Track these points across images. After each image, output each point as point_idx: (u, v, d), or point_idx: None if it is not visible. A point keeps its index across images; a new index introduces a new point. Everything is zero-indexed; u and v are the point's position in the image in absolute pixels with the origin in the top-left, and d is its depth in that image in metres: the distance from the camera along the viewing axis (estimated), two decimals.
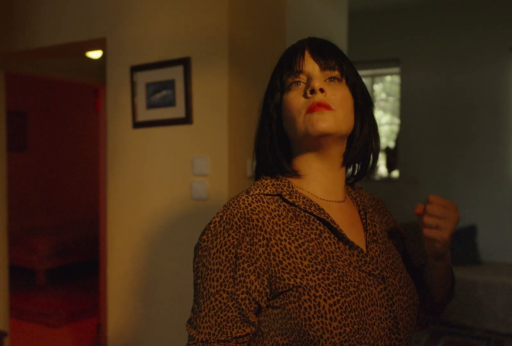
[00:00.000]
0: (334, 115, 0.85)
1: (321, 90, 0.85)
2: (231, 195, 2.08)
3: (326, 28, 2.98)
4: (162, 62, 2.20)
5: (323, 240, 0.86)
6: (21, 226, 5.69)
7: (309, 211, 0.87)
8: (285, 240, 0.83)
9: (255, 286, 0.82)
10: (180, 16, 2.18)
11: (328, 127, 0.84)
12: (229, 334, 0.82)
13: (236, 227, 0.82)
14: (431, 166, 4.75)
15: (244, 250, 0.81)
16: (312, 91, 0.85)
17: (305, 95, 0.86)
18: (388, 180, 5.14)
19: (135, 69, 2.28)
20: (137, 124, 2.30)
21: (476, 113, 4.54)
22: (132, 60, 2.30)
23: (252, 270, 0.81)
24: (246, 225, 0.82)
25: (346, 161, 0.94)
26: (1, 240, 3.18)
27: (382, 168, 5.23)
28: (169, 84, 2.18)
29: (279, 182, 0.91)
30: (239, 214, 0.83)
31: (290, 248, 0.83)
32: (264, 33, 2.32)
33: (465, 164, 4.59)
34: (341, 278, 0.82)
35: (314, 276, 0.81)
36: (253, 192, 0.88)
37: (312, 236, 0.86)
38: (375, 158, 0.96)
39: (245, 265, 0.81)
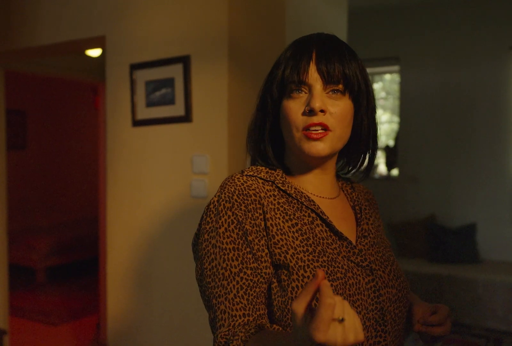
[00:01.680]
0: (331, 138, 0.86)
1: (322, 111, 0.84)
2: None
3: (326, 26, 2.97)
4: (161, 60, 2.20)
5: (316, 227, 0.89)
6: (21, 225, 5.69)
7: (300, 200, 0.90)
8: (278, 218, 0.86)
9: (284, 257, 0.84)
10: (180, 14, 2.18)
11: (323, 152, 0.86)
12: (261, 310, 0.82)
13: (237, 205, 0.84)
14: (430, 165, 4.75)
15: (249, 226, 0.83)
16: (312, 111, 0.84)
17: (304, 113, 0.86)
18: (387, 178, 5.14)
19: (134, 67, 2.28)
20: (136, 123, 2.30)
21: (476, 112, 4.54)
22: (132, 58, 2.30)
23: (263, 244, 0.84)
24: (246, 201, 0.84)
25: (342, 166, 0.99)
26: (1, 239, 3.17)
27: (381, 167, 5.23)
28: (169, 82, 2.17)
29: (273, 171, 0.93)
30: (237, 191, 0.85)
31: (283, 226, 0.85)
32: (264, 31, 2.32)
33: (465, 162, 4.59)
34: (330, 263, 0.84)
35: (304, 256, 0.83)
36: (247, 173, 0.91)
37: (305, 220, 0.89)
38: (371, 162, 0.98)
39: (257, 240, 0.83)
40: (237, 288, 0.81)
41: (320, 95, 0.85)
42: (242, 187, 0.86)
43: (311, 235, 0.87)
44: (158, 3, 2.24)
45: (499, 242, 4.45)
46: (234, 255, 0.82)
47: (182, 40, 2.16)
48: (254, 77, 2.18)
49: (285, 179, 0.92)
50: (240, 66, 2.13)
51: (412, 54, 4.81)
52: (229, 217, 0.83)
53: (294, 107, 0.87)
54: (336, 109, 0.86)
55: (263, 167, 0.94)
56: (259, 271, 0.82)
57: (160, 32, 2.23)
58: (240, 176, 0.89)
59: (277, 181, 0.91)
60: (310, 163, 0.92)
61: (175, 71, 2.15)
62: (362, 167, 0.99)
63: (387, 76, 5.38)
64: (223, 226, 0.83)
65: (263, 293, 0.83)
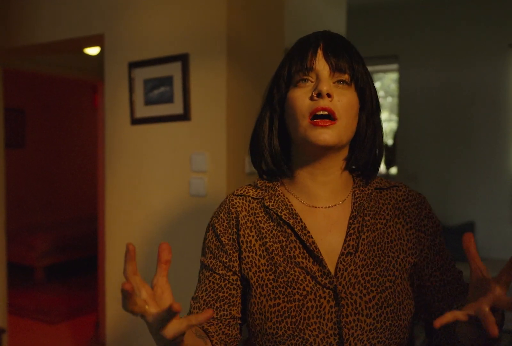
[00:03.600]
0: (337, 127, 0.84)
1: (328, 95, 0.83)
2: (230, 192, 2.08)
3: (325, 24, 2.97)
4: (160, 59, 2.19)
5: (289, 243, 0.88)
6: (20, 223, 5.68)
7: (279, 214, 0.89)
8: (252, 236, 0.91)
9: (247, 273, 0.91)
10: (178, 12, 2.17)
11: (330, 141, 0.83)
12: (215, 315, 0.91)
13: (221, 221, 0.94)
14: (429, 163, 4.75)
15: (227, 239, 0.92)
16: (319, 95, 0.83)
17: (311, 98, 0.84)
18: (386, 176, 5.14)
19: (133, 65, 2.27)
20: (135, 121, 2.30)
21: (475, 110, 4.54)
22: (130, 57, 2.30)
23: (236, 256, 0.91)
24: (228, 218, 0.93)
25: (349, 165, 0.92)
26: (0, 237, 3.17)
27: (380, 165, 5.24)
28: (167, 81, 2.17)
29: (270, 184, 0.95)
30: (224, 210, 0.95)
31: (254, 244, 0.90)
32: (262, 29, 2.31)
33: (464, 161, 4.59)
34: (289, 284, 0.85)
35: (265, 275, 0.87)
36: (236, 192, 0.97)
37: (281, 237, 0.89)
38: (378, 161, 0.95)
39: (230, 251, 0.91)
40: (202, 290, 0.93)
41: (327, 80, 0.85)
42: (228, 205, 0.94)
43: (281, 253, 0.87)
44: (156, 2, 2.23)
45: (497, 240, 4.45)
46: (209, 262, 0.93)
47: (181, 39, 2.16)
48: (253, 75, 2.17)
49: (276, 192, 0.92)
50: (239, 64, 2.13)
51: (411, 52, 4.81)
52: (214, 230, 0.94)
53: (301, 95, 0.86)
54: (342, 98, 0.85)
55: (264, 182, 0.95)
56: (227, 277, 0.91)
57: (158, 30, 2.22)
58: (232, 195, 0.96)
59: (267, 196, 0.92)
60: (313, 159, 0.89)
61: (174, 70, 2.15)
62: (369, 166, 0.94)
63: (386, 75, 5.38)
64: (207, 238, 0.96)
65: (227, 298, 0.91)
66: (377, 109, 0.92)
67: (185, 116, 2.14)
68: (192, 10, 2.14)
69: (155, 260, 2.40)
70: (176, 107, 2.16)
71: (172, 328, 0.64)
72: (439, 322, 0.65)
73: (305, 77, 0.86)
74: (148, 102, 2.24)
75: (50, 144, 6.27)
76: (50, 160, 6.27)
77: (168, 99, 2.18)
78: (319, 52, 0.86)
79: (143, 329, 2.32)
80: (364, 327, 0.82)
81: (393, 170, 5.13)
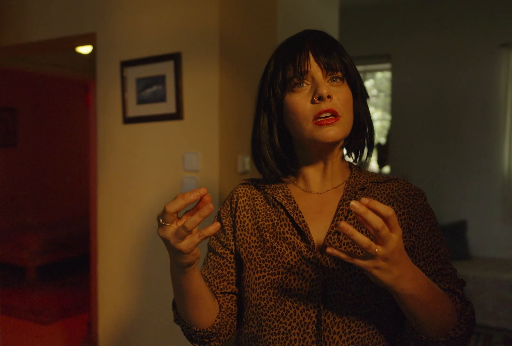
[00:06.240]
0: (342, 123, 0.88)
1: (329, 96, 0.87)
2: (222, 191, 2.08)
3: (318, 24, 2.97)
4: (152, 58, 2.19)
5: (280, 221, 0.95)
6: (11, 223, 5.65)
7: (274, 196, 0.97)
8: (247, 217, 0.98)
9: (239, 249, 0.98)
10: (171, 11, 2.17)
11: (337, 136, 0.88)
12: (215, 288, 0.98)
13: (225, 206, 1.03)
14: (422, 162, 4.77)
15: (228, 221, 1.01)
16: (320, 98, 0.87)
17: (312, 101, 0.88)
18: None
19: (125, 64, 2.27)
20: (127, 120, 2.29)
21: (466, 110, 4.56)
22: (122, 55, 2.29)
23: (233, 236, 0.99)
24: (231, 204, 1.02)
25: (348, 152, 0.99)
26: None
27: (373, 164, 5.25)
28: (160, 80, 2.17)
29: (271, 177, 1.00)
30: (229, 197, 1.04)
31: (248, 223, 0.98)
32: (255, 28, 2.31)
33: (456, 160, 4.62)
34: (275, 258, 0.91)
35: (254, 251, 0.94)
36: (242, 182, 1.06)
37: (273, 216, 0.96)
38: (371, 146, 1.00)
39: (229, 232, 1.00)
40: (205, 268, 1.01)
41: (324, 82, 0.88)
42: (233, 192, 1.04)
43: (271, 230, 0.94)
44: (149, 0, 2.22)
45: (489, 239, 4.48)
46: (211, 243, 1.03)
47: (173, 37, 2.15)
48: (245, 74, 2.17)
49: (275, 180, 1.00)
50: (232, 63, 2.13)
51: (403, 52, 4.82)
52: (218, 215, 1.04)
53: (300, 99, 0.89)
54: (340, 96, 0.89)
55: (266, 176, 1.00)
56: (225, 255, 0.99)
57: (150, 29, 2.22)
58: (239, 184, 1.05)
59: (268, 184, 1.00)
60: (318, 154, 0.93)
61: (166, 68, 2.14)
62: (362, 156, 1.00)
63: (379, 74, 5.40)
64: (216, 221, 1.03)
65: (226, 276, 0.99)
66: (366, 98, 0.98)
67: (177, 115, 2.14)
68: (185, 9, 2.13)
69: (148, 258, 2.40)
70: (168, 106, 2.16)
71: (187, 241, 0.76)
72: (331, 248, 0.68)
73: (300, 81, 0.89)
74: (141, 101, 2.24)
75: (42, 143, 6.24)
76: (42, 159, 6.24)
77: (160, 98, 2.18)
78: (310, 57, 0.89)
79: (136, 329, 2.31)
80: (343, 301, 0.86)
81: (386, 169, 5.15)
